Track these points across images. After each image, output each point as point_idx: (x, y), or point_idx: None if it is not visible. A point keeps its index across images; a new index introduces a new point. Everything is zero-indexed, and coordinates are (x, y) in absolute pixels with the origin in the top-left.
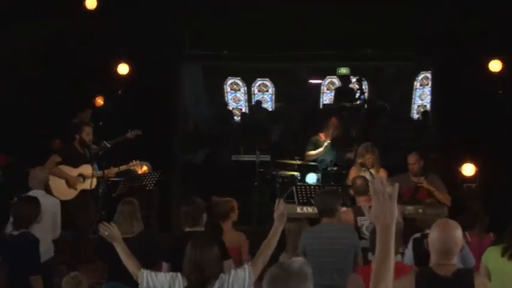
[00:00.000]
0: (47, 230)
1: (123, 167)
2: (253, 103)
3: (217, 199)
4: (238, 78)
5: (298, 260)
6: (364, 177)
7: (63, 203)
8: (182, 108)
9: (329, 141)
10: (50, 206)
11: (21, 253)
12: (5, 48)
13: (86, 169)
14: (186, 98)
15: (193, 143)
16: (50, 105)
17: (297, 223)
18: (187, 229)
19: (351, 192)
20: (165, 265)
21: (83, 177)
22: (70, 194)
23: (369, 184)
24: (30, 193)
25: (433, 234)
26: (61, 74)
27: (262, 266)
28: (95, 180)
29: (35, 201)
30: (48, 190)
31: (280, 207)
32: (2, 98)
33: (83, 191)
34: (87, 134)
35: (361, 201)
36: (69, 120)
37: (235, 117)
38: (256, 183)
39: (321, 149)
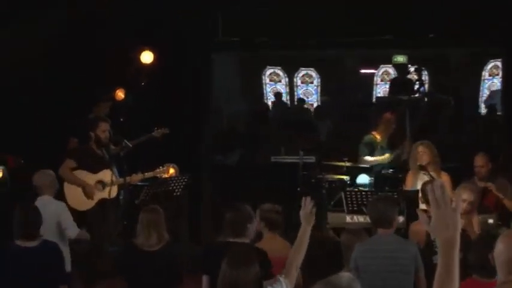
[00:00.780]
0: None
1: (149, 174)
2: (296, 97)
3: (267, 206)
4: (279, 67)
5: (346, 276)
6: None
7: (80, 214)
8: (214, 103)
9: (397, 152)
10: (51, 214)
11: (43, 266)
12: (13, 39)
13: (106, 175)
14: (219, 91)
15: (227, 142)
16: (63, 100)
17: (354, 235)
18: (230, 239)
19: (420, 201)
20: (205, 279)
21: (102, 184)
22: (87, 204)
23: (428, 190)
24: (37, 200)
25: (499, 246)
26: (76, 65)
27: (296, 274)
28: (115, 188)
29: (35, 208)
30: (63, 199)
31: (308, 205)
32: (10, 93)
33: (102, 200)
34: (103, 130)
35: None
36: (84, 116)
37: (275, 113)
38: (299, 189)
39: (383, 157)
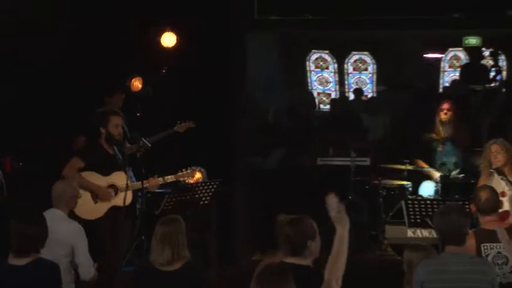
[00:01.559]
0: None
1: (170, 178)
2: (347, 87)
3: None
4: (326, 51)
5: None
6: (491, 188)
7: (87, 224)
8: (249, 94)
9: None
10: (64, 235)
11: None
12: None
13: (119, 178)
14: (254, 80)
15: (265, 141)
16: (70, 92)
17: (420, 252)
18: (286, 259)
19: (472, 208)
20: None
21: (115, 189)
22: (97, 212)
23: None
24: (46, 212)
25: None
26: (84, 50)
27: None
28: (130, 194)
29: (39, 218)
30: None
31: (333, 204)
32: (8, 83)
33: (115, 208)
34: (115, 125)
35: (486, 222)
36: (93, 111)
37: (322, 106)
38: (350, 197)
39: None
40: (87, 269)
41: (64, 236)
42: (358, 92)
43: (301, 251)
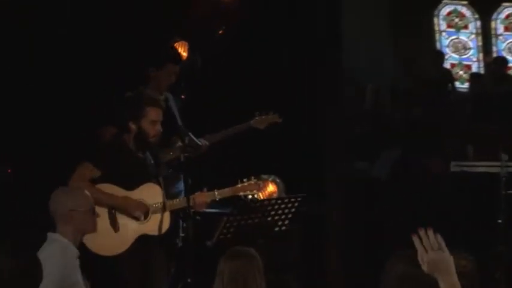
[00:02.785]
0: None
1: (228, 191)
2: (495, 56)
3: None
4: (464, 2)
5: None
6: None
7: (105, 263)
8: (346, 71)
9: None
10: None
11: None
12: None
13: (151, 193)
14: (354, 48)
15: (370, 137)
16: (85, 70)
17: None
18: None
19: None
20: None
21: (144, 210)
22: (119, 244)
23: None
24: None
25: None
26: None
27: None
28: (168, 217)
29: (32, 261)
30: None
31: (433, 242)
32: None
33: (146, 238)
34: (153, 122)
35: None
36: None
37: (458, 84)
38: (500, 220)
39: None
40: None
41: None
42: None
43: None
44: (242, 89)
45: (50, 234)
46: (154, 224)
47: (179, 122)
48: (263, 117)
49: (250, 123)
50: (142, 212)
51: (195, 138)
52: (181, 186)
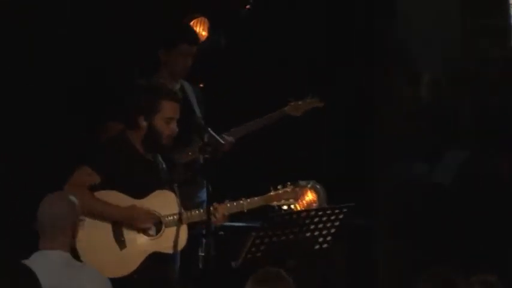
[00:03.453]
0: None
1: (259, 201)
2: None
3: None
4: None
5: None
6: None
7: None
8: (402, 52)
9: None
10: None
11: None
12: None
13: (165, 201)
14: (415, 29)
15: (430, 135)
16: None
17: None
18: None
19: None
20: None
21: (155, 221)
22: (126, 264)
23: None
24: (34, 256)
25: None
26: None
27: None
28: (185, 231)
29: (23, 274)
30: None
31: None
32: None
33: (158, 257)
34: (168, 119)
35: None
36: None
37: None
38: None
39: None
40: None
41: None
42: None
43: None
44: (274, 76)
45: (45, 252)
46: (169, 240)
47: (198, 115)
48: (299, 102)
49: (284, 110)
50: (152, 223)
51: (216, 135)
52: (204, 195)
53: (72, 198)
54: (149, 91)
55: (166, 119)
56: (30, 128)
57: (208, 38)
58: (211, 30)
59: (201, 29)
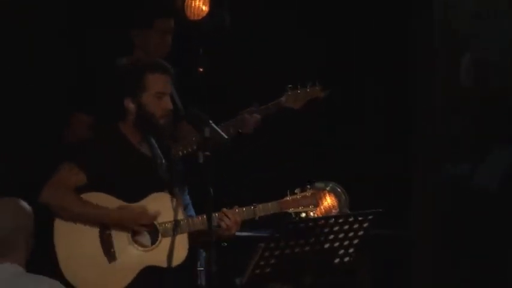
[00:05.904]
0: None
1: (274, 207)
2: None
3: None
4: None
5: None
6: None
7: None
8: (441, 39)
9: None
10: None
11: None
12: None
13: (163, 206)
14: (457, 19)
15: (472, 132)
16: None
17: None
18: None
19: None
20: None
21: (152, 230)
22: (115, 280)
23: None
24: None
25: None
26: None
27: None
28: (185, 240)
29: None
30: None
31: None
32: None
33: (152, 271)
34: (158, 95)
35: None
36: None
37: None
38: None
39: None
40: None
41: None
42: None
43: None
44: (288, 60)
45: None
46: (166, 252)
47: (179, 105)
48: (298, 91)
49: (280, 102)
50: (148, 224)
51: (218, 129)
52: (187, 198)
53: (23, 204)
54: (130, 67)
55: (156, 94)
56: (30, 128)
57: (210, 14)
58: (214, 6)
59: (200, 3)
